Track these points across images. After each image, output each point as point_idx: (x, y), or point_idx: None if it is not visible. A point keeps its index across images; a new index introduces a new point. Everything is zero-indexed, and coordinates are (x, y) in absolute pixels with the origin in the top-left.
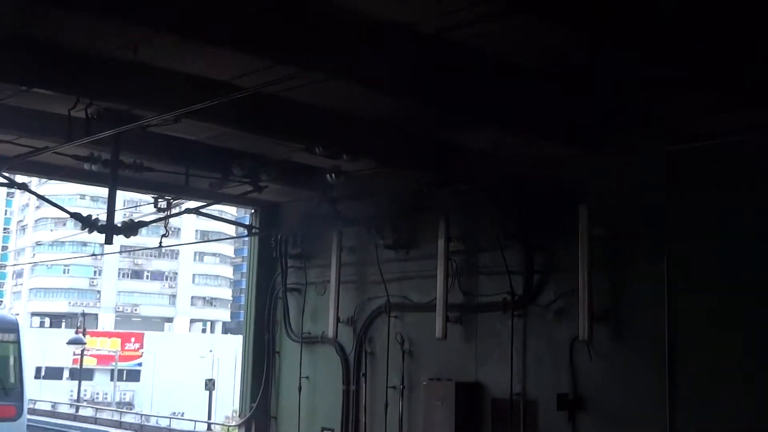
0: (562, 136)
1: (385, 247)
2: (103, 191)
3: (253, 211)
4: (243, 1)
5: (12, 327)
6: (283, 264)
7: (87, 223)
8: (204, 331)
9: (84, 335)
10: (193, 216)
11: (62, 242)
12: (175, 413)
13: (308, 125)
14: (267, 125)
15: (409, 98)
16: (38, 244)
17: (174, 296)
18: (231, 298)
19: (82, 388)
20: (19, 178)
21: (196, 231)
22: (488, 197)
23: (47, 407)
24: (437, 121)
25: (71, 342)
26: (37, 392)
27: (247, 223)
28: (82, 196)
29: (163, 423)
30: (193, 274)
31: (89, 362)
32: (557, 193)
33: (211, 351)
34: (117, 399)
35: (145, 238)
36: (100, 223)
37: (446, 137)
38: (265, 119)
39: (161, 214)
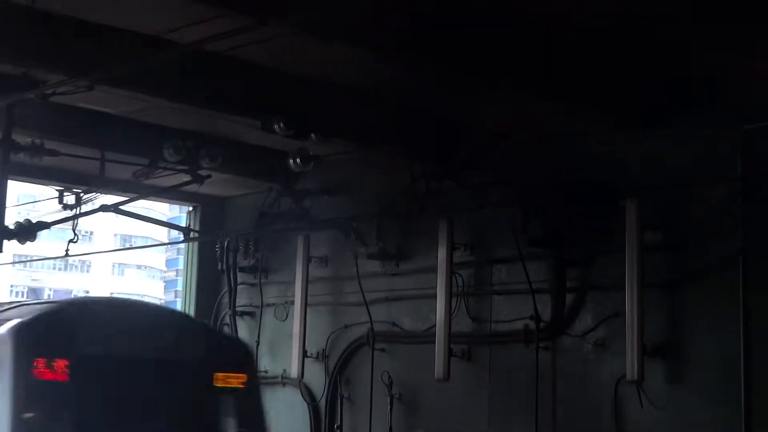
0: (609, 109)
1: (368, 257)
2: None
3: (191, 208)
4: None
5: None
6: (231, 279)
7: None
8: None
9: None
10: (111, 215)
11: None
12: None
13: (266, 94)
14: (211, 94)
15: (401, 54)
16: None
17: None
18: None
19: None
20: None
21: (116, 235)
22: (507, 192)
23: None
24: (439, 89)
25: None
26: None
27: (184, 224)
28: None
29: None
30: (111, 293)
31: None
32: (599, 187)
33: None
34: None
35: (46, 245)
36: None
37: (451, 112)
38: (209, 87)
39: (68, 213)
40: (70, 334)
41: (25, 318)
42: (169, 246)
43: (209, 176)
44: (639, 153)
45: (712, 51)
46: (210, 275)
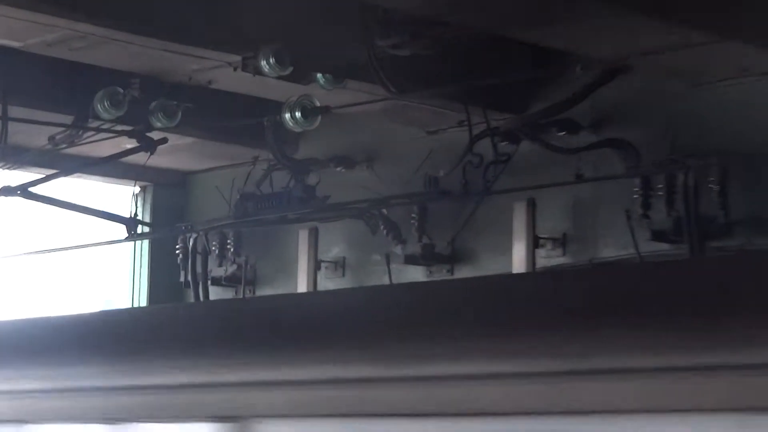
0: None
1: (407, 259)
2: None
3: (137, 190)
4: None
5: None
6: (199, 297)
7: None
8: None
9: None
10: (16, 200)
11: None
12: None
13: (249, 15)
14: (166, 16)
15: None
16: None
17: None
18: None
19: None
20: None
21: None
22: (619, 157)
23: None
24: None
25: None
26: None
27: (129, 214)
28: None
29: None
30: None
31: None
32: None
33: None
34: None
35: None
36: None
37: (530, 34)
38: (164, 5)
39: None
40: None
41: None
42: (106, 246)
43: (164, 140)
44: None
45: None
46: (166, 291)
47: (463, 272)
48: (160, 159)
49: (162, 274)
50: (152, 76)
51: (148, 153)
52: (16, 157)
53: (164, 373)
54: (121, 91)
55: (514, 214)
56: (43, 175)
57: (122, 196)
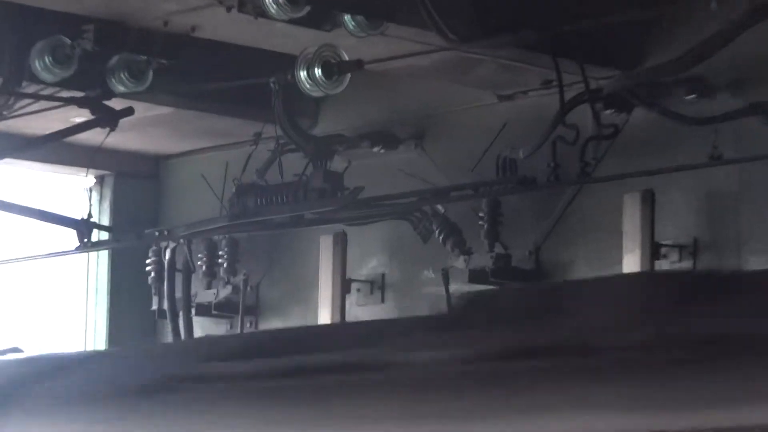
0: None
1: (472, 277)
2: None
3: (92, 182)
4: None
5: None
6: (179, 332)
7: None
8: None
9: None
10: None
11: None
12: None
13: None
14: None
15: None
16: None
17: None
18: None
19: None
20: None
21: None
22: None
23: None
24: None
25: None
26: None
27: (80, 216)
28: None
29: None
30: None
31: None
32: None
33: None
34: None
35: None
36: None
37: None
38: None
39: None
40: None
41: None
42: (49, 258)
43: (129, 111)
44: None
45: None
46: (134, 322)
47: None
48: (124, 138)
49: (127, 298)
50: (112, 20)
51: (107, 129)
52: None
53: None
54: (69, 42)
55: (624, 211)
56: None
57: (71, 190)
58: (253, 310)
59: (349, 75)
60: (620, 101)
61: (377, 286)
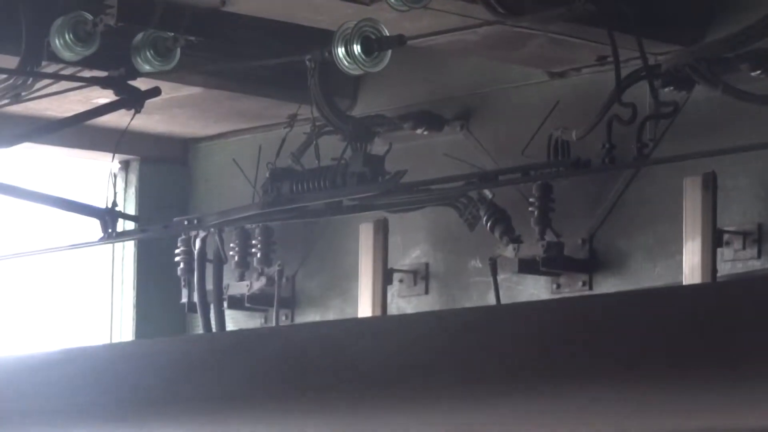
0: None
1: (522, 267)
2: None
3: (116, 168)
4: None
5: None
6: (210, 325)
7: None
8: None
9: None
10: None
11: None
12: None
13: None
14: None
15: None
16: None
17: None
18: None
19: None
20: None
21: None
22: None
23: None
24: None
25: None
26: None
27: (104, 204)
28: None
29: None
30: None
31: None
32: None
33: None
34: None
35: None
36: None
37: None
38: None
39: None
40: None
41: None
42: (70, 251)
43: (156, 92)
44: None
45: None
46: (162, 315)
47: (606, 285)
48: (150, 120)
49: (155, 291)
50: None
51: (132, 111)
52: None
53: None
54: (90, 18)
55: (685, 196)
56: None
57: (94, 176)
58: (289, 303)
59: (390, 52)
60: (680, 78)
61: (421, 276)
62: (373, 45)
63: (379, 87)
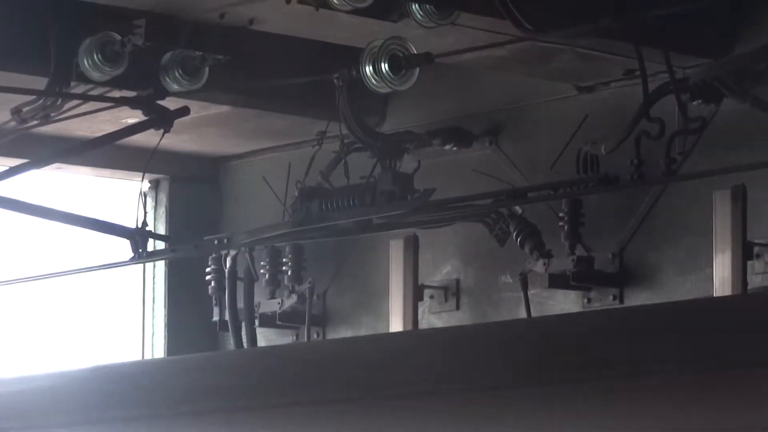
0: None
1: (552, 281)
2: None
3: (146, 187)
4: None
5: None
6: (242, 343)
7: None
8: None
9: None
10: None
11: None
12: None
13: None
14: None
15: None
16: None
17: None
18: None
19: None
20: None
21: None
22: None
23: None
24: None
25: None
26: None
27: (134, 224)
28: None
29: None
30: None
31: None
32: None
33: None
34: None
35: None
36: None
37: None
38: None
39: None
40: None
41: None
42: (101, 271)
43: (185, 111)
44: None
45: None
46: (193, 333)
47: (637, 299)
48: (179, 139)
49: (186, 309)
50: (164, 14)
51: (162, 131)
52: None
53: None
54: (119, 38)
55: (715, 209)
56: (6, 167)
57: (124, 196)
58: (320, 320)
59: (417, 69)
60: (708, 91)
61: (451, 292)
62: (400, 63)
63: (408, 103)
